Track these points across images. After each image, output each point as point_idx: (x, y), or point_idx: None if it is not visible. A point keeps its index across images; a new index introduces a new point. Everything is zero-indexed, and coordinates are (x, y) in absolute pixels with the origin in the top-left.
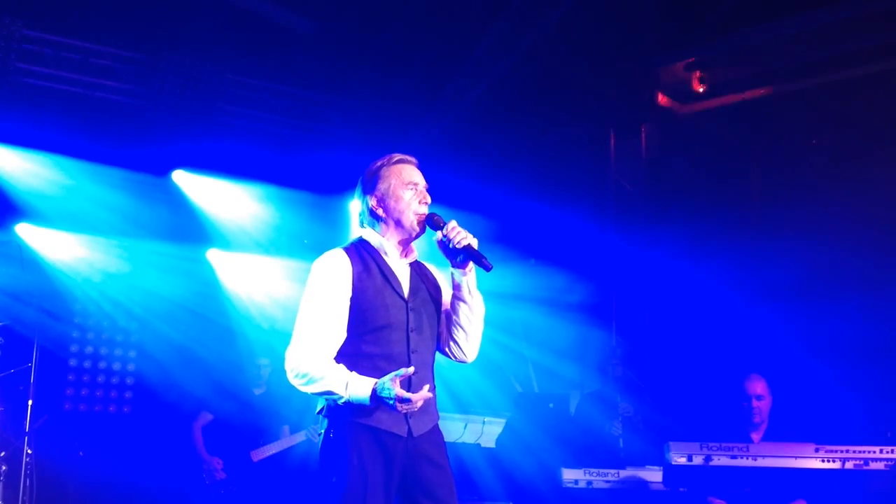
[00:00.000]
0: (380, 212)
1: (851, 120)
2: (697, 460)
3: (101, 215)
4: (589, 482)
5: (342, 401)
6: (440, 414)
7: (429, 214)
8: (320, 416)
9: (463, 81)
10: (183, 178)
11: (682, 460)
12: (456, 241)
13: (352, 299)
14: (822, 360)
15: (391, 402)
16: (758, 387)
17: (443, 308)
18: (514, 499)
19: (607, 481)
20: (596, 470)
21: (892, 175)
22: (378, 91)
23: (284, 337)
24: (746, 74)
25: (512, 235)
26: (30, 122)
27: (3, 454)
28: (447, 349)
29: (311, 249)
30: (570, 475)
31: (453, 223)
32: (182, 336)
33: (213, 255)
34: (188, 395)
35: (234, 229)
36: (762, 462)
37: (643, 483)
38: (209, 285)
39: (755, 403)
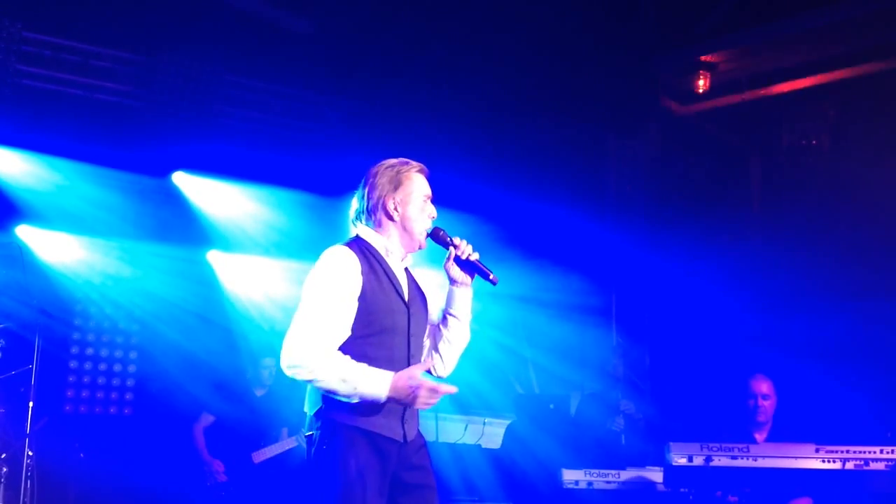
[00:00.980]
0: (395, 215)
1: (852, 120)
2: (698, 461)
3: (101, 217)
4: (590, 483)
5: (352, 392)
6: (440, 414)
7: (433, 229)
8: (310, 418)
9: (463, 82)
10: (183, 180)
11: (683, 461)
12: (465, 256)
13: (360, 299)
14: (823, 360)
15: (413, 393)
16: (763, 386)
17: (429, 319)
18: (515, 499)
19: (608, 482)
20: (597, 471)
21: (892, 175)
22: (377, 92)
23: (282, 335)
24: (746, 75)
25: (512, 236)
26: (30, 123)
27: (3, 456)
28: (429, 359)
29: (311, 250)
30: (570, 476)
31: (459, 238)
32: (183, 338)
33: (214, 257)
34: (189, 396)
35: (234, 231)
36: (762, 462)
37: (644, 484)
38: (209, 287)
39: (760, 402)
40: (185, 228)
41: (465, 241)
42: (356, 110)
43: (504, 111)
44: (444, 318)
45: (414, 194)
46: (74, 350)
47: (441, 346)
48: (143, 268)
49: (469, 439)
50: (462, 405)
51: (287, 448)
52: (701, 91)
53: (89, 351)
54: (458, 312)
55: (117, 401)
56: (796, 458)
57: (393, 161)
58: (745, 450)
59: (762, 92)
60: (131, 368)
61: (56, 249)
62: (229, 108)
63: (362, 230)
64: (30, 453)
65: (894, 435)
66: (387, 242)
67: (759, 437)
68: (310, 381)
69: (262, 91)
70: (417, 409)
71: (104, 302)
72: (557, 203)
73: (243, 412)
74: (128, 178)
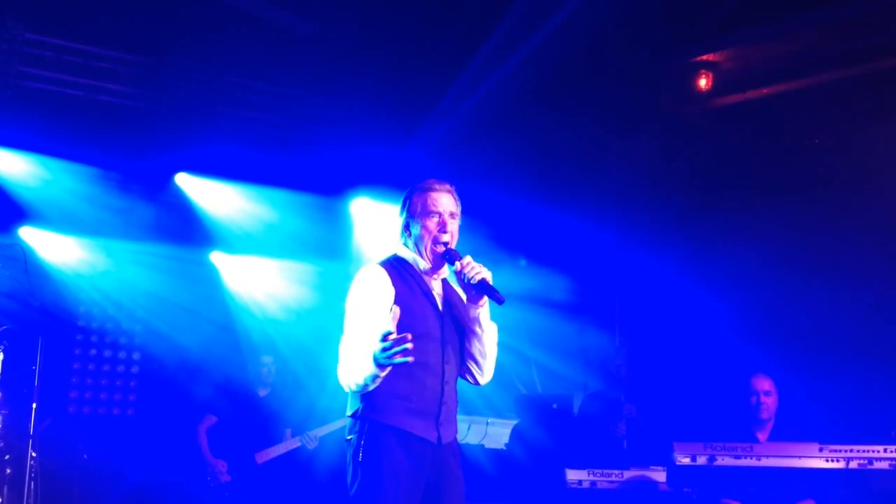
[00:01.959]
0: (410, 233)
1: (852, 120)
2: (701, 460)
3: (103, 218)
4: (593, 482)
5: (365, 375)
6: None
7: (445, 250)
8: (349, 419)
9: (464, 83)
10: (185, 181)
11: (687, 461)
12: (470, 276)
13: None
14: (826, 359)
15: (385, 355)
16: (765, 383)
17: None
18: (519, 499)
19: (611, 482)
20: (600, 470)
21: (893, 175)
22: (379, 93)
23: (285, 336)
24: (748, 74)
25: (513, 236)
26: (32, 125)
27: (7, 457)
28: (463, 370)
29: (314, 251)
30: (574, 475)
31: (468, 259)
32: (185, 338)
33: (217, 258)
34: (192, 397)
35: (237, 231)
36: (766, 462)
37: (647, 483)
38: (212, 287)
39: (763, 399)
40: (188, 229)
41: (471, 263)
42: (358, 112)
43: (505, 112)
44: (468, 333)
45: (417, 213)
46: (77, 351)
47: (471, 356)
48: (145, 269)
49: (472, 439)
50: (465, 405)
51: (290, 448)
52: (703, 91)
53: (92, 352)
54: (475, 327)
55: (120, 402)
56: (800, 457)
57: (421, 182)
58: (748, 449)
59: (764, 91)
60: (134, 369)
61: (58, 251)
62: (231, 109)
63: (398, 246)
64: (33, 454)
65: None
66: (417, 257)
67: (761, 435)
68: (359, 390)
69: (264, 92)
70: (453, 414)
71: (107, 303)
72: (559, 203)
73: (246, 413)
74: (130, 179)
